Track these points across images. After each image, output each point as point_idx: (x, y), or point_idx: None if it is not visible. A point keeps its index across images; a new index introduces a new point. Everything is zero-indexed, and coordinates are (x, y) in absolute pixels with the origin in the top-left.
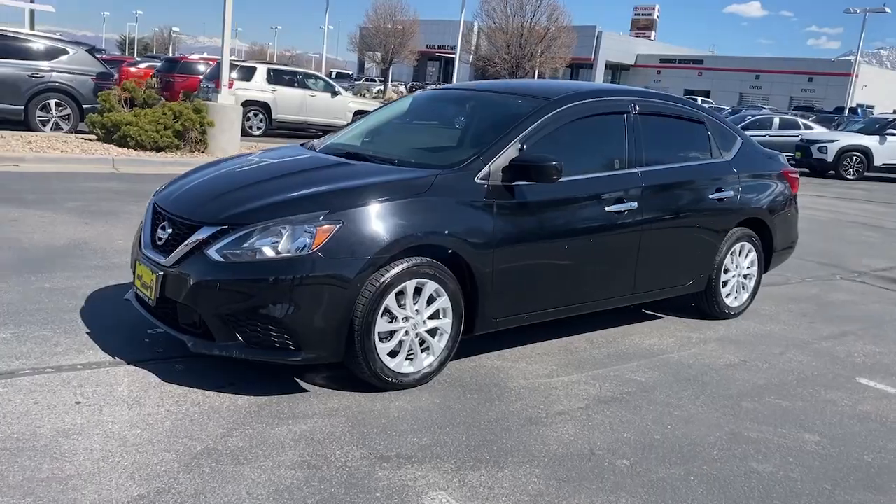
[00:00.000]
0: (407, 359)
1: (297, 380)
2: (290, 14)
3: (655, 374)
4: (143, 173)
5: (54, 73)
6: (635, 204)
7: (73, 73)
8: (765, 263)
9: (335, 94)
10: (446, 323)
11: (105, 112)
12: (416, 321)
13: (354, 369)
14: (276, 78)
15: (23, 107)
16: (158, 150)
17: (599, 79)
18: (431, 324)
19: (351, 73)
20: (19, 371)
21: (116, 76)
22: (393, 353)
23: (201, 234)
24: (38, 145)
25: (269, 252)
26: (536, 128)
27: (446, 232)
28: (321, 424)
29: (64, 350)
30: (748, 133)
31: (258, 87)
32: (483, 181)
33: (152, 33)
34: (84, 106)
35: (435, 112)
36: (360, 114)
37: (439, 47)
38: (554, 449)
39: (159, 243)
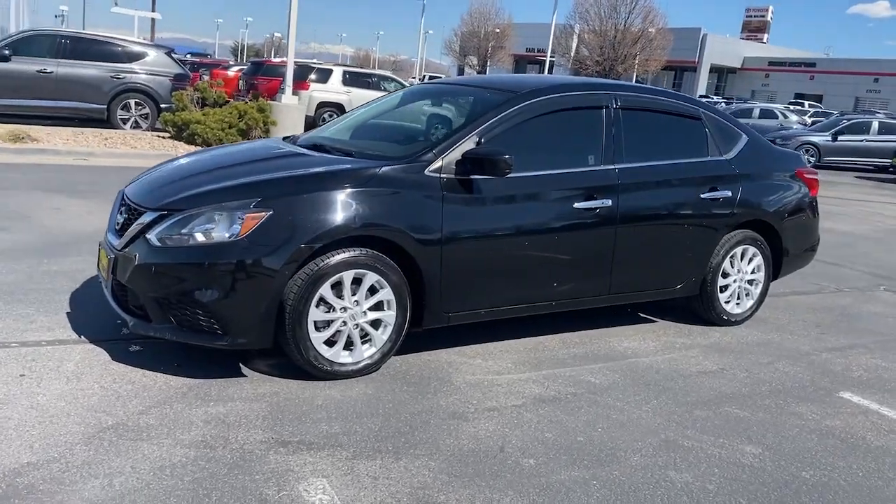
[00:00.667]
0: (346, 349)
1: (242, 365)
2: (394, 19)
3: (615, 376)
4: None
5: (134, 75)
6: (609, 201)
7: (152, 75)
8: (775, 269)
9: None
10: (389, 315)
11: (178, 111)
12: (354, 312)
13: (290, 356)
14: (351, 80)
15: (105, 106)
16: None
17: (703, 82)
18: (373, 315)
19: (442, 76)
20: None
21: (207, 78)
22: (331, 343)
23: (145, 219)
24: (111, 142)
25: (200, 237)
26: (498, 121)
27: (387, 223)
28: (240, 408)
29: (37, 327)
30: (844, 137)
31: (334, 89)
32: (435, 174)
33: (263, 39)
34: (161, 105)
35: (418, 106)
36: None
37: (538, 51)
38: (464, 444)
39: (117, 228)
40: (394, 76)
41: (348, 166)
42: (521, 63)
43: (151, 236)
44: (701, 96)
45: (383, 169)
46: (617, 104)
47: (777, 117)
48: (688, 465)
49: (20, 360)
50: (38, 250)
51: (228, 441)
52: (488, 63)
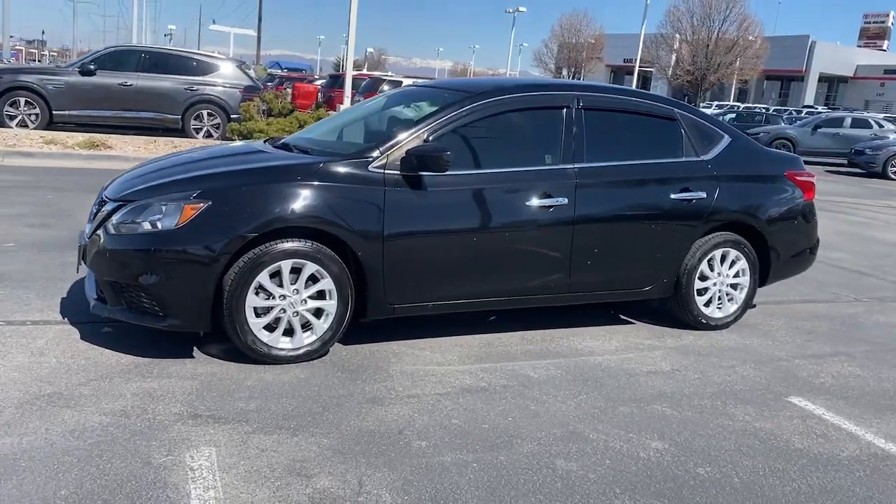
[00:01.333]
0: (286, 335)
1: (196, 348)
2: (490, 33)
3: (557, 372)
4: None
5: (207, 87)
6: (565, 200)
7: (224, 87)
8: (763, 274)
9: None
10: (330, 304)
11: (244, 121)
12: (293, 300)
13: (231, 340)
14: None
15: (180, 116)
16: None
17: (811, 92)
18: (314, 304)
19: None
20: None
21: (290, 91)
22: (272, 328)
23: (106, 209)
24: (179, 149)
25: (146, 226)
26: (447, 121)
27: (324, 216)
28: (172, 384)
29: (28, 309)
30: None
31: None
32: (379, 170)
33: (364, 55)
34: (231, 115)
35: (399, 108)
36: None
37: (634, 61)
38: (366, 426)
39: (91, 218)
40: None
41: (290, 162)
42: (618, 74)
43: (109, 224)
44: (805, 106)
45: (325, 165)
46: (579, 104)
47: (871, 126)
48: (581, 455)
49: (7, 335)
50: (65, 244)
51: (146, 412)
52: (582, 74)
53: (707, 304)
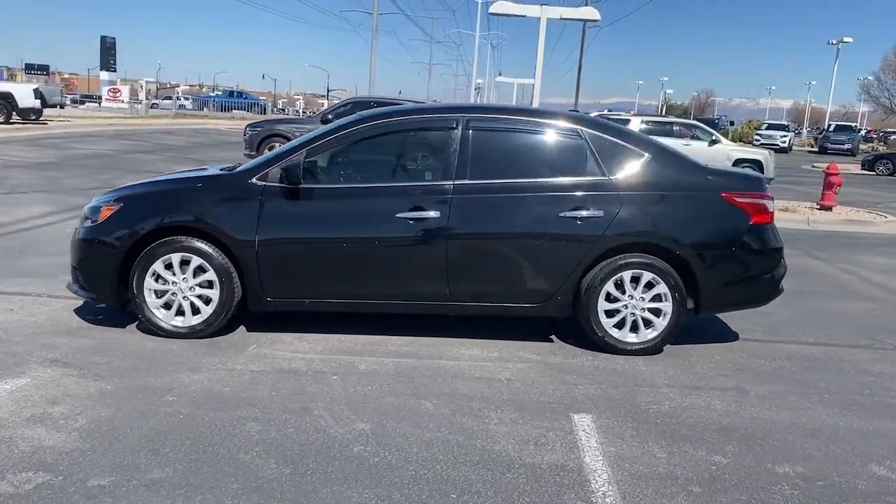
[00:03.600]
0: (179, 315)
1: (135, 324)
2: (821, 65)
3: (384, 368)
4: None
5: None
6: (437, 213)
7: None
8: (697, 301)
9: (713, 142)
10: (214, 293)
11: None
12: (181, 286)
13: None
14: (650, 130)
15: None
16: None
17: None
18: (202, 291)
19: (853, 124)
20: (7, 290)
21: None
22: (168, 307)
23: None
24: None
25: (88, 223)
26: (328, 142)
27: (205, 219)
28: (75, 342)
29: (54, 283)
30: None
31: None
32: (260, 182)
33: (690, 98)
34: None
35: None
36: (741, 162)
37: None
38: (151, 381)
39: None
40: (698, 124)
41: (192, 175)
42: None
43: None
44: None
45: (213, 177)
46: (466, 126)
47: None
48: (282, 424)
49: (21, 301)
50: None
51: (29, 353)
52: None
53: (619, 327)
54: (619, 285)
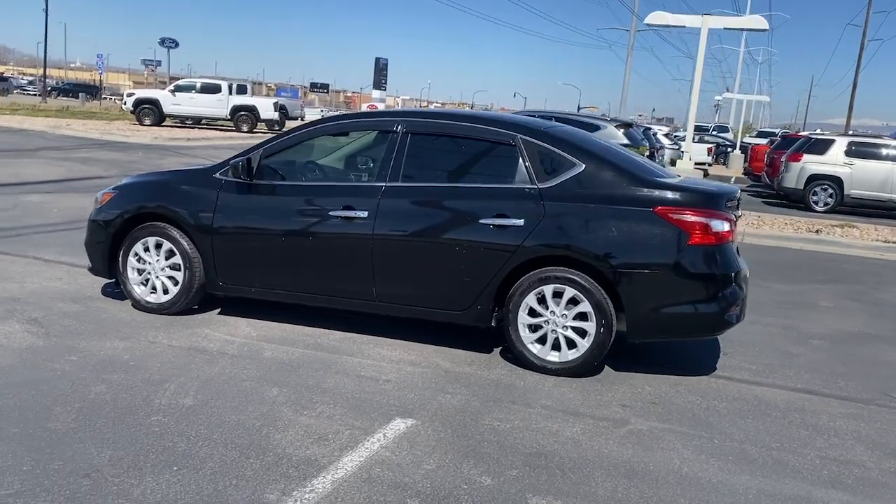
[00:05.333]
0: (153, 292)
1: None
2: None
3: (290, 358)
4: None
5: None
6: (365, 213)
7: None
8: (627, 324)
9: None
10: (180, 274)
11: None
12: (154, 267)
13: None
14: (857, 151)
15: None
16: None
17: None
18: (172, 273)
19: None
20: (38, 258)
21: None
22: (144, 284)
23: None
24: None
25: (95, 207)
26: (279, 144)
27: (170, 206)
28: (69, 308)
29: (75, 256)
30: None
31: (830, 161)
32: (221, 177)
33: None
34: None
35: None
36: None
37: None
38: (106, 348)
39: None
40: None
41: (173, 169)
42: None
43: None
44: None
45: (189, 171)
46: (404, 130)
47: None
48: (129, 390)
49: (42, 267)
50: None
51: (21, 310)
52: None
53: (541, 343)
54: (542, 300)
